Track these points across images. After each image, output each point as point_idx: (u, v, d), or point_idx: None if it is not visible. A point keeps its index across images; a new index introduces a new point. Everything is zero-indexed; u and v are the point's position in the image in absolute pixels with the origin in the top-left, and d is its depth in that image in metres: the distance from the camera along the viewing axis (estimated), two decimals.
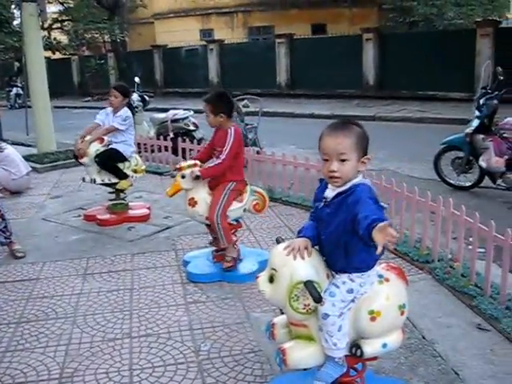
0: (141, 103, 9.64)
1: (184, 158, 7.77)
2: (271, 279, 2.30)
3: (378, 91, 17.35)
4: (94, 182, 5.60)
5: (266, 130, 9.26)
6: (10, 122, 12.50)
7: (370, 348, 2.33)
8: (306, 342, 2.37)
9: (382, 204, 2.24)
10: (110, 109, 5.57)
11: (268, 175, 6.54)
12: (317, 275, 2.26)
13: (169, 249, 4.85)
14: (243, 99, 8.82)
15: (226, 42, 22.05)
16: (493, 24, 15.53)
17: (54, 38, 25.62)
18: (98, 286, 4.10)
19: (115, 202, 5.74)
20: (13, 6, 19.46)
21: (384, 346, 2.35)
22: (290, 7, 23.93)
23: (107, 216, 5.66)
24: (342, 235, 2.23)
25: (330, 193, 2.31)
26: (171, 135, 8.41)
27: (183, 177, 4.01)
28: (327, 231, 2.30)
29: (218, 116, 4.06)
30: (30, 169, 7.46)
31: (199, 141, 8.39)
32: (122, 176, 5.59)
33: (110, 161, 5.49)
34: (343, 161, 2.21)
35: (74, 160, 6.08)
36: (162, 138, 8.20)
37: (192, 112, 9.25)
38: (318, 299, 2.19)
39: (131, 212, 5.77)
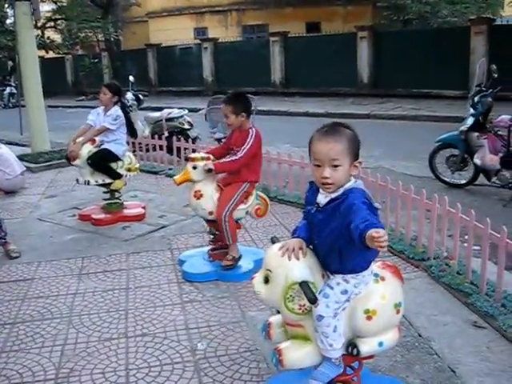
0: (135, 102, 9.59)
1: (179, 156, 7.77)
2: (266, 280, 2.29)
3: (373, 89, 17.37)
4: (88, 183, 5.59)
5: (261, 128, 9.05)
6: (3, 121, 12.48)
7: (366, 347, 2.33)
8: (302, 342, 2.36)
9: (376, 205, 2.23)
10: (101, 108, 5.56)
11: (263, 174, 6.48)
12: (312, 275, 2.25)
13: (164, 248, 4.84)
14: None
15: (220, 40, 22.01)
16: (487, 22, 15.54)
17: (48, 37, 25.52)
18: (93, 286, 4.09)
19: (110, 201, 5.73)
20: (6, 5, 19.35)
21: (380, 344, 2.35)
22: (284, 5, 23.88)
23: (102, 215, 5.65)
24: (336, 241, 2.21)
25: (322, 199, 2.27)
26: (166, 134, 8.39)
27: (195, 168, 3.97)
28: (321, 236, 2.28)
29: (240, 116, 4.07)
30: (25, 168, 7.43)
31: (194, 139, 8.38)
32: (116, 176, 5.59)
33: (103, 161, 5.48)
34: (335, 166, 2.17)
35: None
36: (156, 136, 8.19)
37: (186, 111, 9.25)
38: (313, 300, 2.18)
39: (126, 211, 5.76)
